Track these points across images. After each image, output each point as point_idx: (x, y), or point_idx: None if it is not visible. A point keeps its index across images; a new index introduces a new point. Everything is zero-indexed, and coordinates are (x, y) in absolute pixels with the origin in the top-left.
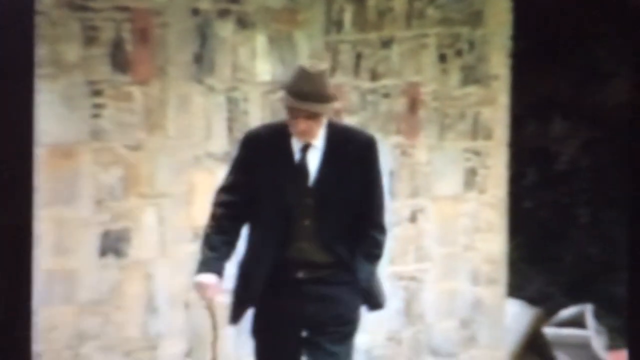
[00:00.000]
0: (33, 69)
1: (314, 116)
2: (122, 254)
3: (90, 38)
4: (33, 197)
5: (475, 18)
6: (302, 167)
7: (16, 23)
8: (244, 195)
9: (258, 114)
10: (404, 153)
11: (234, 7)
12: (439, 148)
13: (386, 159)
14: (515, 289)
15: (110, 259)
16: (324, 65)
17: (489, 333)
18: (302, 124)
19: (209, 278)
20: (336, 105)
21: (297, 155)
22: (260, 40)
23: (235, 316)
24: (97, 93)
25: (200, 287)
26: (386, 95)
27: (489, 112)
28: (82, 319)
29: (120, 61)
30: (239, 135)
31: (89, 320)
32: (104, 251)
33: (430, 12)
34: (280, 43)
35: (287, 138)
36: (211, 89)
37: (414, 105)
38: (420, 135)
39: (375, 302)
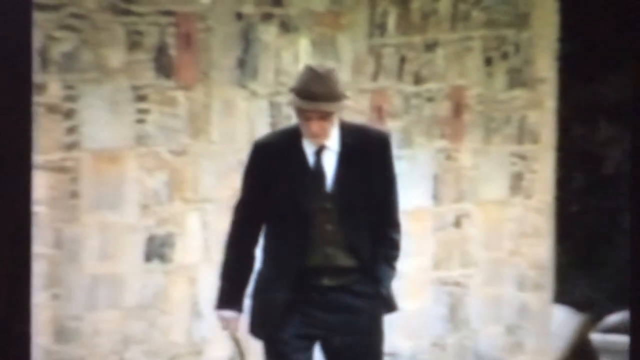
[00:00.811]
0: (30, 77)
1: (326, 116)
2: (167, 259)
3: (134, 43)
4: (31, 193)
5: (522, 20)
6: (317, 171)
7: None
8: (261, 208)
9: None
10: (448, 157)
11: (277, 11)
12: (485, 152)
13: (429, 163)
14: (562, 295)
15: (155, 264)
16: (331, 65)
17: (534, 339)
18: (314, 126)
19: (230, 314)
20: (347, 103)
21: (311, 159)
22: (303, 44)
23: (258, 329)
24: (142, 98)
25: (222, 321)
26: (430, 99)
27: (536, 115)
28: (127, 323)
29: (164, 66)
30: None
31: (134, 325)
32: (148, 256)
33: (476, 14)
34: (323, 47)
35: (298, 143)
36: (254, 93)
37: (458, 109)
38: (465, 140)
39: (392, 305)
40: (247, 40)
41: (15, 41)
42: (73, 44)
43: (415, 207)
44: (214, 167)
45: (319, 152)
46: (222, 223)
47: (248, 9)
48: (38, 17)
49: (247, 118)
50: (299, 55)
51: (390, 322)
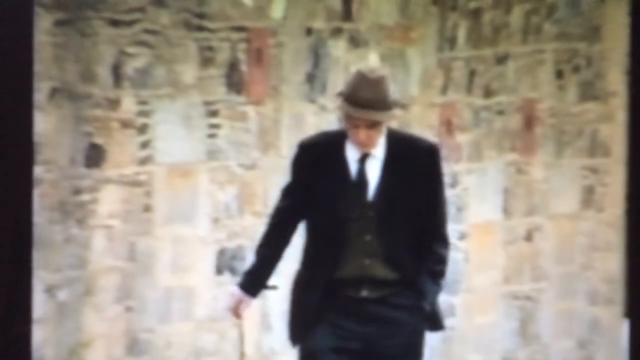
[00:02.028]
0: (32, 88)
1: (375, 125)
2: (237, 272)
3: (206, 59)
4: (32, 196)
5: (593, 33)
6: (360, 178)
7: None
8: (299, 205)
9: None
10: (519, 171)
11: (346, 26)
12: (556, 166)
13: (500, 176)
14: (633, 309)
15: (226, 277)
16: (384, 71)
17: (606, 354)
18: (362, 134)
19: (241, 295)
20: (398, 112)
21: (354, 166)
22: (373, 58)
23: (296, 337)
24: (213, 113)
25: (231, 297)
26: (501, 112)
27: (607, 129)
28: (199, 336)
29: (235, 81)
30: None
31: (206, 337)
32: (219, 269)
33: (547, 27)
34: (393, 60)
35: (343, 147)
36: (323, 108)
37: (529, 122)
38: (537, 153)
39: (438, 324)
40: (317, 55)
41: (16, 44)
42: (147, 60)
43: (485, 220)
44: (283, 181)
45: (363, 159)
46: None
47: (318, 24)
48: (112, 32)
49: (316, 132)
50: None
51: (462, 337)
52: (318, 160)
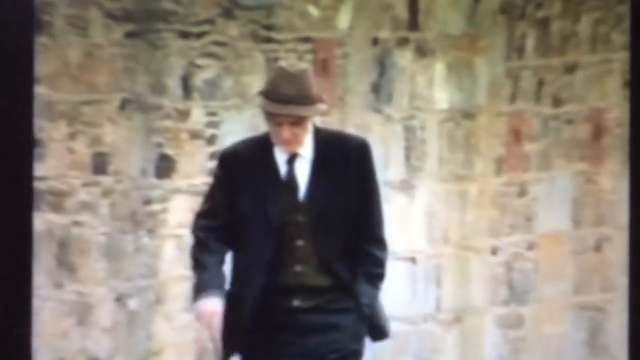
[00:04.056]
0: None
1: (299, 122)
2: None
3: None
4: (33, 196)
5: None
6: (290, 182)
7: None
8: (224, 220)
9: (435, 143)
10: (588, 181)
11: (413, 36)
12: (625, 176)
13: (569, 186)
14: None
15: None
16: (305, 65)
17: None
18: (286, 132)
19: (213, 304)
20: (322, 107)
21: (283, 169)
22: (439, 68)
23: (226, 354)
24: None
25: (204, 316)
26: (569, 122)
27: None
28: None
29: None
30: (417, 164)
31: None
32: None
33: (615, 37)
34: (460, 70)
35: (269, 151)
36: (389, 118)
37: (598, 132)
38: (606, 163)
39: (379, 331)
40: (383, 65)
41: (17, 48)
42: (216, 72)
43: (554, 230)
44: None
45: (291, 160)
46: None
47: (385, 34)
48: (182, 45)
49: (382, 142)
50: (434, 79)
51: (531, 347)
52: (244, 166)
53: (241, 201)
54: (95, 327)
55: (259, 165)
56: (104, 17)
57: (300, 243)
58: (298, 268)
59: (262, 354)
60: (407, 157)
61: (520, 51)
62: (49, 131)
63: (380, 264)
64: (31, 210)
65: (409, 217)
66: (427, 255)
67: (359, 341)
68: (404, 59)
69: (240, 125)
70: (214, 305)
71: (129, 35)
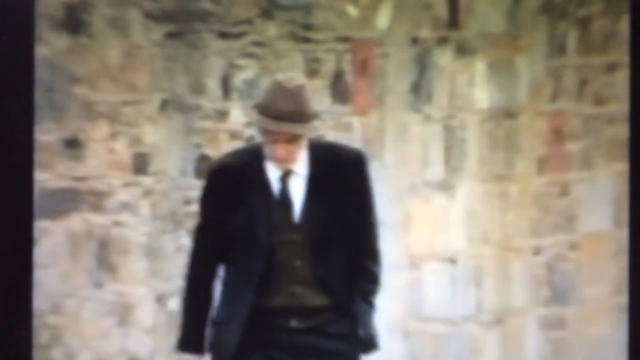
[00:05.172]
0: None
1: (294, 139)
2: None
3: (312, 70)
4: (33, 196)
5: None
6: (283, 199)
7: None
8: (214, 237)
9: (476, 142)
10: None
11: (453, 35)
12: None
13: (610, 186)
14: None
15: None
16: (302, 80)
17: None
18: (281, 149)
19: (195, 357)
20: (317, 124)
21: (275, 186)
22: (479, 67)
23: None
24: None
25: None
26: (610, 121)
27: None
28: None
29: (340, 92)
30: (456, 163)
31: None
32: None
33: None
34: (500, 69)
35: (261, 166)
36: (428, 117)
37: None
38: None
39: (369, 344)
40: (423, 64)
41: (17, 48)
42: (254, 72)
43: (594, 231)
44: (388, 191)
45: (284, 177)
46: (395, 247)
47: (424, 33)
48: (221, 45)
49: (421, 142)
50: (474, 78)
51: (572, 349)
52: (234, 180)
53: (230, 217)
54: (135, 327)
55: (250, 180)
56: (143, 17)
57: (297, 263)
58: (296, 288)
59: None
60: (447, 157)
61: (561, 50)
62: (89, 131)
63: (375, 279)
64: (31, 210)
65: (449, 218)
66: (467, 256)
67: None
68: (444, 58)
69: None
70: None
71: (169, 35)
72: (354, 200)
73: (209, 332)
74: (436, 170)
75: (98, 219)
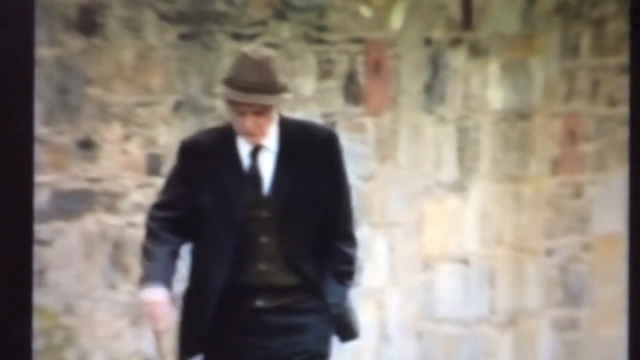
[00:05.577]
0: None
1: (263, 111)
2: (356, 283)
3: (325, 71)
4: (33, 197)
5: None
6: (253, 175)
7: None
8: (182, 213)
9: (489, 143)
10: None
11: (466, 36)
12: None
13: (624, 187)
14: None
15: None
16: (269, 51)
17: None
18: (249, 122)
19: (157, 293)
20: (287, 96)
21: (246, 161)
22: (493, 67)
23: (184, 354)
24: (331, 125)
25: (147, 306)
26: (624, 123)
27: None
28: None
29: (353, 93)
30: (470, 164)
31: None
32: None
33: None
34: (514, 70)
35: (232, 142)
36: (442, 118)
37: None
38: None
39: (348, 331)
40: (436, 65)
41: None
42: None
43: (608, 232)
44: (401, 192)
45: (254, 152)
46: (408, 247)
47: (437, 34)
48: (235, 46)
49: (434, 143)
50: (488, 79)
51: (586, 350)
52: (205, 157)
53: (201, 193)
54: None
55: (221, 156)
56: (157, 18)
57: (264, 239)
58: (262, 266)
59: (224, 355)
60: (460, 158)
61: (575, 51)
62: (103, 132)
63: (349, 261)
64: (32, 210)
65: (462, 219)
66: (481, 257)
67: (325, 342)
68: (457, 58)
69: None
70: (157, 295)
71: (183, 37)
72: (325, 178)
73: (179, 309)
74: (449, 171)
75: (112, 220)
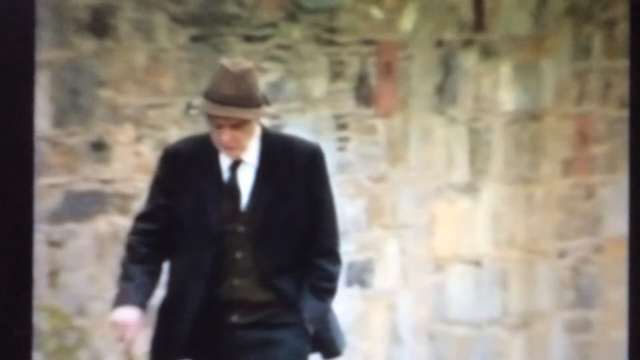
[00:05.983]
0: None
1: (240, 124)
2: (367, 285)
3: (336, 73)
4: (33, 198)
5: None
6: (231, 189)
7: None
8: (162, 224)
9: (501, 145)
10: None
11: (478, 37)
12: None
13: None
14: None
15: (355, 289)
16: (248, 63)
17: None
18: (226, 135)
19: (127, 314)
20: (267, 110)
21: (226, 174)
22: (504, 69)
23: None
24: (342, 126)
25: (117, 326)
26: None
27: None
28: None
29: (364, 95)
30: (481, 166)
31: None
32: (349, 281)
33: None
34: (525, 72)
35: (214, 153)
36: (453, 120)
37: None
38: None
39: (329, 348)
40: (447, 67)
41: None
42: (278, 75)
43: (619, 233)
44: (412, 194)
45: (234, 166)
46: (419, 249)
47: (449, 35)
48: (246, 48)
49: (445, 145)
50: (499, 81)
51: (597, 352)
52: (186, 166)
53: (180, 204)
54: None
55: (202, 167)
56: (169, 21)
57: (238, 255)
58: (236, 281)
59: None
60: (472, 160)
61: (586, 52)
62: (115, 134)
63: (330, 278)
64: (32, 211)
65: (474, 220)
66: (492, 259)
67: (301, 357)
68: (469, 60)
69: (302, 128)
70: (128, 316)
71: (194, 39)
72: (306, 194)
73: (155, 324)
74: (461, 172)
75: (124, 222)
